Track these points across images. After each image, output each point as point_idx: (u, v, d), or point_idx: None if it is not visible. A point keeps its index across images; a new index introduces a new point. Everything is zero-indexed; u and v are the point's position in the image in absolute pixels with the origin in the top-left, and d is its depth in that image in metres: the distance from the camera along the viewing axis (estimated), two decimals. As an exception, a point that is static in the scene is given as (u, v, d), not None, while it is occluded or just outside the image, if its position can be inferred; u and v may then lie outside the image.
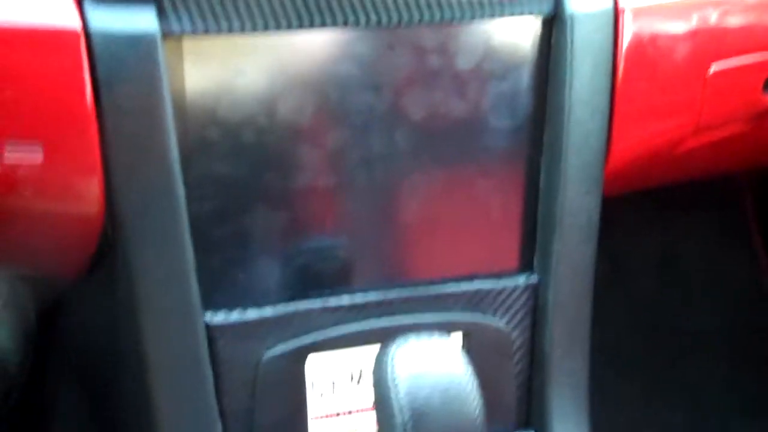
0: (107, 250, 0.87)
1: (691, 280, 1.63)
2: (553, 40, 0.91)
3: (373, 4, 0.84)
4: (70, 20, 0.76)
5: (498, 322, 0.98)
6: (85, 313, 1.11)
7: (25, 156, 0.77)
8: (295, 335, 0.91)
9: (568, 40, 0.90)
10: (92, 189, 0.80)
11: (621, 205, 1.19)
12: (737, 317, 1.62)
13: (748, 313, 1.63)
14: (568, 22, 0.89)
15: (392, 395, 0.79)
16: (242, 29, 0.81)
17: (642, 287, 1.62)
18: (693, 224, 1.62)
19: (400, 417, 0.78)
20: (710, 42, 0.97)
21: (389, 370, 0.80)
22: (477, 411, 0.80)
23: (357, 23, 0.84)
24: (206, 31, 0.80)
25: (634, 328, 1.60)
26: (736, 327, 1.62)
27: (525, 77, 0.92)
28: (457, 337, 0.96)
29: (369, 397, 0.94)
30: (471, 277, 0.97)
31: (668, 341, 1.61)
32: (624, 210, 1.33)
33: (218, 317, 0.88)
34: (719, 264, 1.64)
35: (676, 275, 1.63)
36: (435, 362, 0.81)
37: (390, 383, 0.79)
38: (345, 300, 0.92)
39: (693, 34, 0.96)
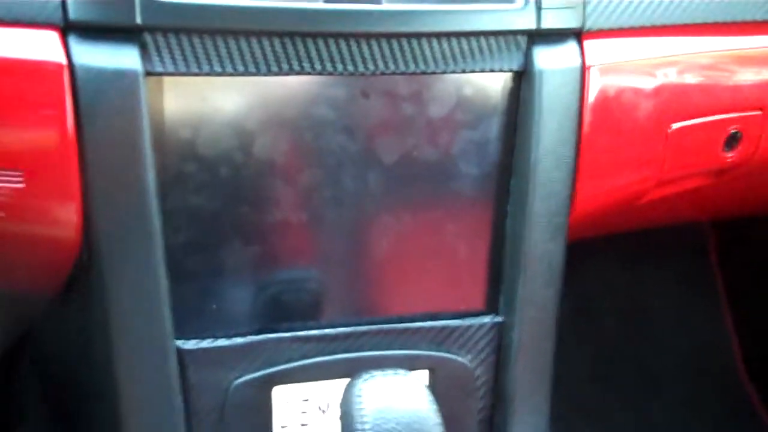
0: (82, 273, 0.89)
1: (654, 325, 1.65)
2: (522, 93, 0.94)
3: (350, 54, 0.87)
4: (55, 54, 0.78)
5: (463, 360, 1.00)
6: (57, 334, 1.12)
7: (5, 182, 0.79)
8: (264, 365, 0.93)
9: (536, 94, 0.93)
10: (70, 215, 0.82)
11: (588, 249, 1.22)
12: (697, 364, 1.65)
13: (709, 360, 1.65)
14: (537, 77, 0.92)
15: (358, 428, 0.81)
16: (221, 72, 0.84)
17: (604, 328, 1.64)
18: (659, 269, 1.64)
19: None
20: (672, 101, 1.00)
21: (356, 403, 0.82)
22: None
23: (333, 71, 0.87)
24: (186, 72, 0.83)
25: (593, 369, 1.62)
26: (696, 373, 1.64)
27: (494, 127, 0.95)
28: (423, 372, 0.98)
29: (335, 427, 0.96)
30: (437, 315, 0.99)
31: (630, 385, 1.63)
32: (591, 254, 1.35)
33: (189, 344, 0.90)
34: (683, 309, 1.66)
35: (640, 319, 1.65)
36: (400, 398, 0.83)
37: (356, 416, 0.81)
38: (313, 333, 0.94)
39: (656, 93, 0.99)
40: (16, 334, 1.17)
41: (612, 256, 1.56)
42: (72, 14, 0.79)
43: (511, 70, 0.93)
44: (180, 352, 0.89)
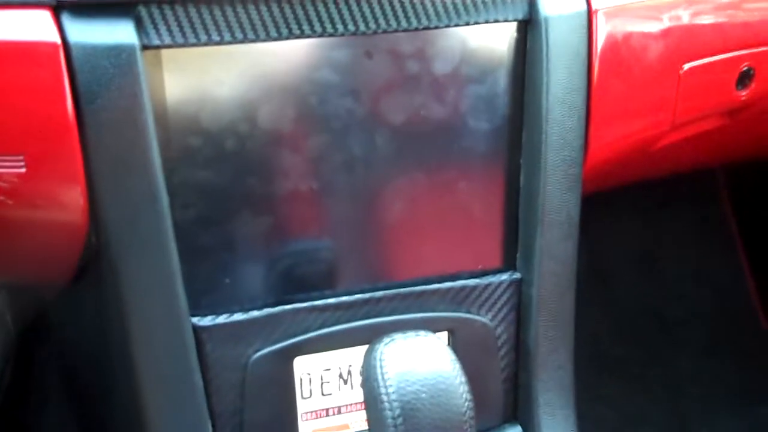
0: (92, 259, 0.88)
1: (670, 275, 1.65)
2: (528, 43, 0.92)
3: (350, 14, 0.85)
4: (48, 34, 0.77)
5: (483, 319, 0.99)
6: (70, 322, 1.12)
7: (8, 168, 0.78)
8: (282, 337, 0.92)
9: (543, 42, 0.91)
10: (76, 198, 0.81)
11: (600, 202, 1.20)
12: (717, 310, 1.64)
13: (728, 305, 1.64)
14: (543, 25, 0.91)
15: (382, 392, 0.79)
16: (220, 41, 0.82)
17: (622, 282, 1.64)
18: (671, 219, 1.64)
19: (390, 413, 0.78)
20: (682, 42, 0.99)
21: (378, 367, 0.81)
22: (465, 405, 0.81)
23: (334, 32, 0.85)
24: (184, 44, 0.81)
25: (614, 323, 1.62)
26: (717, 320, 1.64)
27: (502, 80, 0.93)
28: (443, 334, 0.98)
29: (358, 394, 0.95)
30: (455, 276, 0.98)
31: (649, 336, 1.63)
32: (603, 206, 1.34)
33: (205, 321, 0.89)
34: (698, 258, 1.66)
35: (655, 270, 1.65)
36: (422, 359, 0.82)
37: (379, 380, 0.80)
38: (331, 301, 0.93)
39: (665, 34, 0.97)
40: (30, 318, 1.16)
41: (625, 208, 1.55)
42: None
43: (515, 20, 0.91)
44: (196, 329, 0.88)
